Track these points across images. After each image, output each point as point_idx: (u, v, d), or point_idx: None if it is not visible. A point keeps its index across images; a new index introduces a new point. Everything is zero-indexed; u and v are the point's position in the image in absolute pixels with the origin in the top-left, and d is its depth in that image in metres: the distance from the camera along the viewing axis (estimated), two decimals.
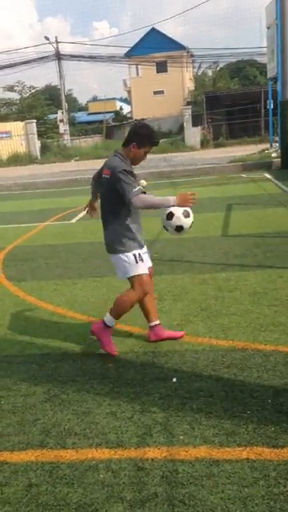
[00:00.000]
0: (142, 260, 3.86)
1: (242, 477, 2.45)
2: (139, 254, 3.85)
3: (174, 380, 3.44)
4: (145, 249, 3.98)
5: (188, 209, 3.78)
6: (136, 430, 2.91)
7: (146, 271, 3.89)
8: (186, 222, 3.78)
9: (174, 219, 3.76)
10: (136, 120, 44.02)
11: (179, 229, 3.80)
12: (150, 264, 4.04)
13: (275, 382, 3.32)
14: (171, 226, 3.80)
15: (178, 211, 3.74)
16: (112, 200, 3.78)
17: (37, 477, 2.58)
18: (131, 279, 3.87)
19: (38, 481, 2.54)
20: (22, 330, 4.56)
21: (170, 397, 3.23)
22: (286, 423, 2.85)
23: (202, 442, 2.75)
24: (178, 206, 3.71)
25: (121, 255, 3.85)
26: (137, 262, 3.83)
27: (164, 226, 3.89)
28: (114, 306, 3.94)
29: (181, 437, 2.80)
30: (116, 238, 3.86)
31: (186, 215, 3.76)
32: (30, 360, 3.95)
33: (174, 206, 3.71)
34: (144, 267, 3.88)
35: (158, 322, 4.10)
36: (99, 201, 4.11)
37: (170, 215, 3.75)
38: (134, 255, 3.83)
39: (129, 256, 3.83)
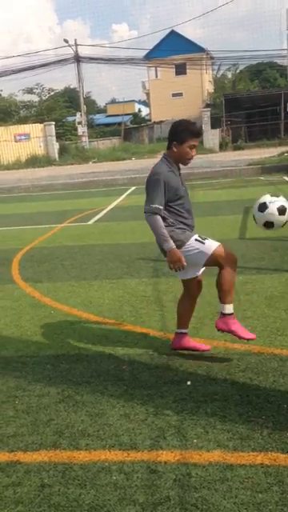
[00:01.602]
0: (206, 239, 3.62)
1: (256, 482, 2.42)
2: (199, 237, 3.63)
3: (189, 383, 3.42)
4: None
5: (285, 204, 3.56)
6: (149, 432, 2.89)
7: (217, 244, 3.60)
8: (279, 220, 3.52)
9: (265, 212, 3.56)
10: (155, 122, 44.09)
11: (268, 225, 3.58)
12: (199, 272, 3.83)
13: None
14: (259, 220, 3.62)
15: (273, 205, 3.52)
16: None
17: (49, 477, 2.58)
18: (213, 258, 3.59)
19: (50, 481, 2.54)
20: (37, 331, 4.57)
21: (184, 400, 3.21)
22: None
23: (215, 446, 2.72)
24: (166, 258, 3.57)
25: (183, 249, 3.60)
26: (203, 243, 3.59)
27: (253, 216, 3.69)
28: (221, 293, 3.64)
29: (194, 440, 2.78)
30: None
31: (281, 212, 3.51)
32: (44, 361, 3.96)
33: (164, 250, 3.56)
34: (212, 243, 3.59)
35: (186, 331, 3.96)
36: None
37: (263, 207, 3.54)
38: (196, 240, 3.61)
39: (191, 245, 3.61)
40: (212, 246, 3.59)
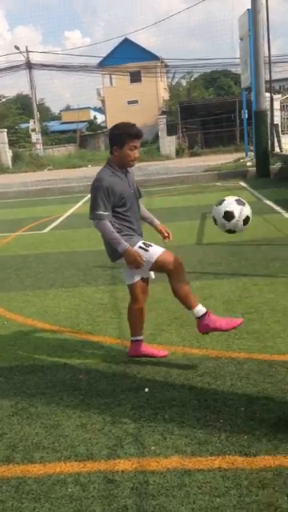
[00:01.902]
0: (150, 245, 3.61)
1: (214, 486, 2.40)
2: (143, 244, 3.62)
3: (146, 390, 3.38)
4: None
5: (243, 199, 3.83)
6: (106, 441, 2.83)
7: (161, 250, 3.62)
8: (236, 210, 3.75)
9: (223, 204, 3.80)
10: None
11: (228, 216, 3.76)
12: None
13: (248, 390, 3.28)
14: (215, 213, 3.81)
15: (230, 198, 3.80)
16: None
17: (2, 493, 2.48)
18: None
19: (3, 497, 2.45)
20: None
21: (141, 407, 3.17)
22: (258, 431, 2.80)
23: (173, 452, 2.69)
24: (125, 259, 3.55)
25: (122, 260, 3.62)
26: (147, 250, 3.58)
27: (213, 217, 3.87)
28: (181, 301, 3.69)
29: (152, 447, 2.74)
30: (109, 247, 3.70)
31: (240, 203, 3.78)
32: None
33: (120, 253, 3.54)
34: (156, 250, 3.60)
35: (141, 338, 3.92)
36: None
37: (221, 202, 3.80)
38: (140, 247, 3.59)
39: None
40: (156, 253, 3.58)
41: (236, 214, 3.80)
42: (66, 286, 6.04)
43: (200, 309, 3.64)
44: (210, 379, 3.46)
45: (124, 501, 2.35)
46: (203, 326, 3.65)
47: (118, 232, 3.59)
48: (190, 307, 3.65)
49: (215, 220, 3.88)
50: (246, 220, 3.82)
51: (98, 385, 3.52)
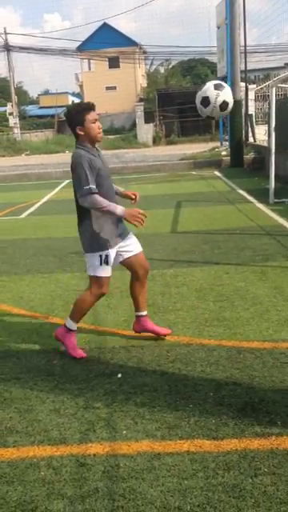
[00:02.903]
0: (106, 263, 3.65)
1: (182, 469, 2.49)
2: (106, 256, 3.64)
3: (119, 375, 3.45)
4: (118, 246, 3.74)
5: (222, 83, 3.91)
6: (79, 426, 2.90)
7: (109, 274, 3.72)
8: (213, 95, 3.81)
9: (222, 94, 3.83)
10: None
11: (205, 102, 3.84)
12: (136, 251, 3.86)
13: (218, 375, 3.38)
14: (216, 105, 3.84)
15: (210, 83, 3.89)
16: (76, 197, 3.59)
17: None
18: (91, 279, 3.74)
19: None
20: None
21: (114, 392, 3.25)
22: (226, 416, 2.91)
23: (144, 436, 2.77)
24: (125, 219, 3.60)
25: (88, 254, 3.69)
26: (101, 265, 3.65)
27: (208, 116, 3.96)
28: (73, 309, 3.81)
29: (124, 432, 2.82)
30: (83, 238, 3.70)
31: (218, 88, 3.84)
32: None
33: (120, 215, 3.56)
34: (108, 270, 3.69)
35: (143, 313, 3.97)
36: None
37: (207, 102, 3.83)
38: (100, 256, 3.64)
39: (95, 256, 3.65)
40: (102, 273, 3.67)
41: (212, 99, 3.83)
42: (42, 271, 6.07)
43: (72, 324, 3.82)
44: (181, 365, 3.55)
45: (95, 483, 2.43)
46: (60, 334, 3.84)
47: (97, 231, 3.61)
48: (77, 320, 3.84)
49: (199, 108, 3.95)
50: (224, 105, 3.82)
51: (72, 370, 3.58)
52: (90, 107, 3.61)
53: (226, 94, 3.85)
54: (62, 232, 8.36)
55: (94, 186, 3.50)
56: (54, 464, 2.59)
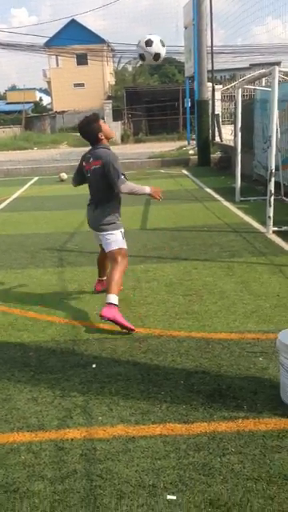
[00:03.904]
0: (124, 238, 4.52)
1: (155, 450, 2.65)
2: (123, 232, 4.54)
3: (94, 366, 3.59)
4: None
5: (163, 39, 4.41)
6: (56, 413, 3.03)
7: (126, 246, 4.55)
8: (163, 50, 4.37)
9: (153, 46, 4.36)
10: (57, 112, 43.49)
11: (157, 56, 4.38)
12: None
13: (187, 365, 3.56)
14: (150, 53, 4.37)
15: (156, 39, 4.36)
16: (104, 186, 4.39)
17: None
18: (115, 252, 4.42)
19: None
20: None
21: (89, 382, 3.38)
22: (196, 401, 3.08)
23: (119, 421, 2.92)
24: (150, 195, 4.45)
25: (111, 231, 4.44)
26: (123, 238, 4.50)
27: (140, 55, 4.45)
28: (110, 285, 4.29)
29: (99, 418, 2.96)
30: (107, 219, 4.44)
31: (163, 45, 4.37)
32: None
33: (149, 193, 4.42)
34: (125, 243, 4.54)
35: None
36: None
37: (150, 42, 4.34)
38: (121, 232, 4.50)
39: (117, 233, 4.46)
40: (124, 245, 4.51)
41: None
42: (15, 267, 6.14)
43: (115, 298, 4.21)
44: (153, 355, 3.71)
45: (73, 466, 2.57)
46: (109, 313, 4.11)
47: (117, 213, 4.55)
48: (109, 291, 4.24)
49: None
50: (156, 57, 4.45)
51: (48, 361, 3.70)
52: (98, 117, 4.55)
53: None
54: (33, 228, 8.43)
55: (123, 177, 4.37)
56: (34, 449, 2.71)
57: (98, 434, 2.81)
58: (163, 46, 4.37)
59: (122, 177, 4.32)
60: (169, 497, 2.30)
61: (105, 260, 4.83)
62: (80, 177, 4.72)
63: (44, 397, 3.22)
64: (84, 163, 4.55)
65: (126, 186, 4.34)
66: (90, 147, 4.52)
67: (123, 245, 4.50)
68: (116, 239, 4.46)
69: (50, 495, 2.36)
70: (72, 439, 2.78)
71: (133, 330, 4.12)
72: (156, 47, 4.33)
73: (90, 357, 3.75)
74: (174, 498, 2.30)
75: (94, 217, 4.55)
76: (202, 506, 2.24)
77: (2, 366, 3.66)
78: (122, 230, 4.53)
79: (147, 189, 4.44)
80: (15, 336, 4.16)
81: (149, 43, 4.34)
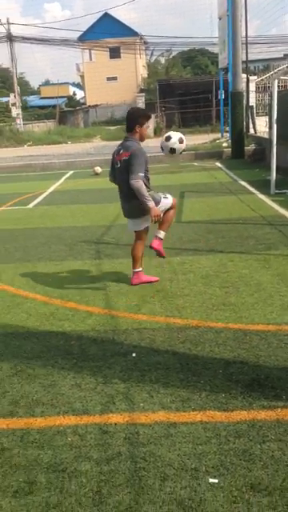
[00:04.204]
0: (165, 196, 5.11)
1: (197, 436, 2.74)
2: (162, 194, 5.09)
3: (134, 355, 3.69)
4: None
5: (183, 136, 4.98)
6: (100, 399, 3.15)
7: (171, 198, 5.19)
8: (180, 147, 4.93)
9: (170, 142, 4.92)
10: (90, 106, 43.78)
11: (173, 151, 4.92)
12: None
13: (226, 355, 3.62)
14: (166, 147, 4.92)
15: (175, 136, 4.94)
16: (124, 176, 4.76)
17: (9, 442, 2.78)
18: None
19: (10, 445, 2.75)
20: None
21: (130, 370, 3.49)
22: (235, 390, 3.15)
23: (160, 407, 3.02)
24: (152, 213, 4.74)
25: (143, 217, 4.94)
26: (167, 198, 5.08)
27: (161, 147, 5.00)
28: (164, 224, 5.12)
29: (141, 404, 3.07)
30: (138, 206, 4.83)
31: (181, 141, 4.92)
32: None
33: (149, 207, 4.70)
34: (169, 198, 5.16)
35: (140, 269, 5.15)
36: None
37: (168, 138, 4.95)
38: (164, 197, 5.04)
39: (162, 202, 4.99)
40: (169, 200, 5.09)
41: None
42: (54, 259, 6.31)
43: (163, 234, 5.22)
44: (191, 345, 3.79)
45: (118, 448, 2.68)
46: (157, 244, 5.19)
47: (149, 189, 4.88)
48: (163, 229, 5.18)
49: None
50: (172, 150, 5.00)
51: (89, 350, 3.83)
52: (149, 117, 5.03)
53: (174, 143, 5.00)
54: (70, 221, 8.59)
55: (143, 175, 4.72)
56: (80, 431, 2.84)
57: (141, 420, 2.91)
58: (181, 142, 4.92)
59: (141, 174, 4.66)
60: (211, 480, 2.39)
61: (138, 250, 5.15)
62: (113, 171, 5.06)
63: (87, 383, 3.34)
64: (116, 156, 4.93)
65: (138, 184, 4.66)
66: (124, 138, 4.97)
67: (166, 204, 5.04)
68: (147, 219, 4.94)
69: (96, 475, 2.47)
70: (115, 423, 2.89)
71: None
72: (172, 142, 4.92)
73: (129, 346, 3.85)
74: (216, 481, 2.38)
75: (129, 207, 5.00)
76: (243, 490, 2.32)
77: (45, 353, 3.81)
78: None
79: (152, 203, 4.73)
80: (57, 325, 4.30)
81: (168, 138, 4.94)
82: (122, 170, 4.82)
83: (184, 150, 5.06)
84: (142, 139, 4.90)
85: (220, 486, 2.35)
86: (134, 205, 4.89)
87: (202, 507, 2.22)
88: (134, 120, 4.85)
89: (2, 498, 2.36)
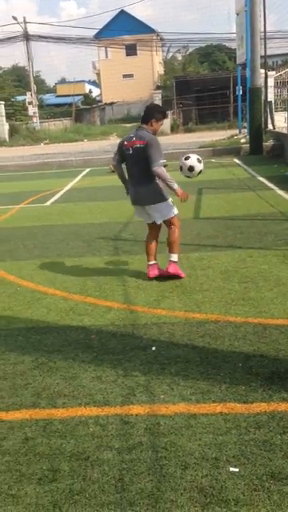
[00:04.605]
0: (174, 204, 5.18)
1: (217, 427, 2.77)
2: (171, 200, 5.15)
3: (153, 348, 3.73)
4: None
5: (200, 157, 5.24)
6: (120, 391, 3.19)
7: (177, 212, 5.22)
8: (198, 166, 5.15)
9: (189, 160, 5.16)
10: (106, 103, 43.86)
11: (191, 169, 5.15)
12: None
13: (245, 348, 3.64)
14: (185, 165, 5.15)
15: (194, 156, 5.22)
16: (144, 164, 4.90)
17: (32, 431, 2.84)
18: (170, 219, 5.14)
19: (33, 435, 2.81)
20: (6, 307, 4.77)
21: (150, 363, 3.53)
22: (254, 383, 3.17)
23: (180, 399, 3.06)
24: (179, 193, 4.96)
25: (163, 202, 5.07)
26: (173, 205, 5.16)
27: (180, 166, 5.22)
28: (170, 246, 5.19)
29: (161, 396, 3.11)
30: (156, 192, 5.02)
31: (199, 161, 5.17)
32: (16, 333, 4.19)
33: (175, 189, 4.91)
34: (177, 209, 5.20)
35: (155, 262, 5.28)
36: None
37: (187, 157, 5.21)
38: (171, 200, 5.14)
39: (168, 201, 5.11)
40: (176, 211, 5.17)
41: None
42: (72, 255, 6.37)
43: (176, 256, 5.21)
44: (211, 339, 3.82)
45: (139, 438, 2.72)
46: (173, 269, 5.16)
47: (161, 185, 5.01)
48: (172, 251, 5.21)
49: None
50: (191, 168, 5.21)
51: (109, 344, 3.87)
52: (166, 116, 5.32)
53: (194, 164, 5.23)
54: (88, 218, 8.65)
55: (164, 161, 4.96)
56: (101, 422, 2.89)
57: (161, 411, 2.95)
58: (199, 162, 5.17)
59: (162, 161, 4.89)
60: (231, 469, 2.42)
61: (153, 244, 5.29)
62: (119, 156, 5.24)
63: (107, 376, 3.39)
64: (125, 142, 5.09)
65: (160, 169, 4.87)
66: (136, 128, 5.19)
67: (176, 210, 5.15)
68: (167, 207, 5.10)
69: (118, 464, 2.52)
70: (136, 414, 2.93)
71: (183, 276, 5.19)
72: (191, 162, 5.16)
73: (149, 340, 3.89)
74: (237, 470, 2.41)
75: (139, 194, 5.12)
76: (263, 479, 2.34)
77: (66, 347, 3.86)
78: (170, 198, 5.11)
79: (177, 185, 4.93)
80: (77, 320, 4.35)
81: (187, 158, 5.20)
82: (134, 156, 5.00)
83: (201, 172, 5.25)
84: (154, 132, 5.08)
85: (241, 475, 2.38)
86: (149, 189, 5.03)
87: (222, 494, 2.26)
88: (151, 113, 5.06)
89: (27, 485, 2.42)
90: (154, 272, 5.23)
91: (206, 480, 2.36)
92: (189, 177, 5.29)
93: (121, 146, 5.16)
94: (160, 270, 5.25)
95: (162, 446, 2.64)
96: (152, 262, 5.26)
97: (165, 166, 4.92)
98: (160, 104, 29.83)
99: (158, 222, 5.20)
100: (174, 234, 5.17)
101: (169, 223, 5.18)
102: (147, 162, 4.86)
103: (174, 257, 5.18)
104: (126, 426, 2.83)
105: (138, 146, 4.95)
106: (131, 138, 5.04)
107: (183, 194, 4.97)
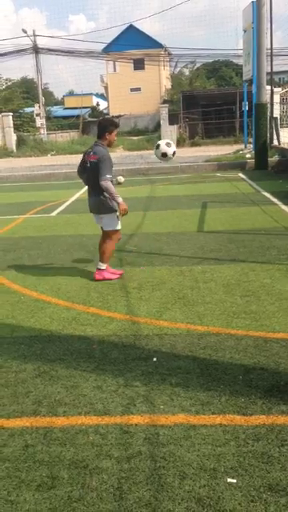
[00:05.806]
0: (119, 220, 5.67)
1: (216, 438, 2.79)
2: (117, 215, 5.61)
3: (155, 359, 3.76)
4: None
5: (170, 141, 6.19)
6: (121, 400, 3.22)
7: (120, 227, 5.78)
8: (169, 150, 6.01)
9: (160, 148, 6.11)
10: (113, 116, 44.17)
11: (164, 155, 6.00)
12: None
13: (246, 361, 3.66)
14: (157, 154, 6.13)
15: (162, 143, 6.23)
16: (97, 177, 5.39)
17: (32, 439, 2.87)
18: (109, 231, 5.69)
19: (33, 442, 2.84)
20: (9, 315, 4.81)
21: (150, 373, 3.55)
22: (254, 395, 3.19)
23: (180, 410, 3.08)
24: (121, 208, 5.43)
25: (108, 214, 5.59)
26: (118, 220, 5.65)
27: (156, 155, 6.28)
28: (100, 255, 5.76)
29: (161, 406, 3.13)
30: (102, 203, 5.54)
31: (168, 146, 6.03)
32: (18, 341, 4.22)
33: (118, 202, 5.39)
34: (120, 225, 5.74)
35: (104, 267, 5.76)
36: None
37: (158, 146, 6.16)
38: (116, 215, 5.61)
39: (114, 215, 5.59)
40: (118, 226, 5.73)
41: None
42: (76, 266, 6.42)
43: (104, 265, 5.75)
44: (212, 352, 3.84)
45: (138, 448, 2.74)
46: (99, 275, 5.70)
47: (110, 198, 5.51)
48: (102, 260, 5.76)
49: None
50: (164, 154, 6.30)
51: (111, 354, 3.90)
52: (117, 126, 5.82)
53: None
54: (92, 230, 8.63)
55: (111, 176, 5.44)
56: (101, 431, 2.91)
57: (161, 421, 2.97)
58: (169, 146, 6.10)
59: (109, 176, 5.38)
60: (229, 480, 2.44)
61: (105, 248, 5.78)
62: (81, 167, 5.74)
63: (108, 385, 3.41)
64: (86, 156, 5.61)
65: (107, 184, 5.36)
66: (94, 142, 5.67)
67: (119, 225, 5.69)
68: (111, 220, 5.62)
69: (117, 472, 2.54)
70: (136, 424, 2.95)
71: (121, 272, 5.81)
72: (163, 149, 6.18)
73: (150, 351, 3.92)
74: (235, 481, 2.43)
75: (90, 202, 5.70)
76: (261, 490, 2.36)
77: (68, 356, 3.89)
78: (117, 213, 5.55)
79: (120, 199, 5.41)
80: (79, 330, 4.38)
81: (158, 147, 6.12)
82: (89, 169, 5.51)
83: (175, 153, 6.08)
84: (110, 145, 5.62)
85: (238, 486, 2.39)
86: (97, 200, 5.57)
87: (220, 505, 2.27)
88: (104, 128, 5.57)
89: (26, 492, 2.44)
90: (100, 275, 5.75)
91: (203, 490, 2.38)
92: (167, 161, 6.22)
93: (83, 158, 5.69)
94: (107, 275, 5.75)
95: (160, 456, 2.66)
96: (103, 267, 5.77)
97: (119, 184, 5.56)
98: (167, 118, 30.16)
99: (103, 230, 5.78)
100: (105, 246, 5.72)
101: (106, 235, 5.72)
102: (98, 175, 5.36)
103: (102, 265, 5.73)
104: (125, 436, 2.85)
105: (93, 160, 5.46)
106: (90, 153, 5.55)
107: (123, 209, 5.42)
